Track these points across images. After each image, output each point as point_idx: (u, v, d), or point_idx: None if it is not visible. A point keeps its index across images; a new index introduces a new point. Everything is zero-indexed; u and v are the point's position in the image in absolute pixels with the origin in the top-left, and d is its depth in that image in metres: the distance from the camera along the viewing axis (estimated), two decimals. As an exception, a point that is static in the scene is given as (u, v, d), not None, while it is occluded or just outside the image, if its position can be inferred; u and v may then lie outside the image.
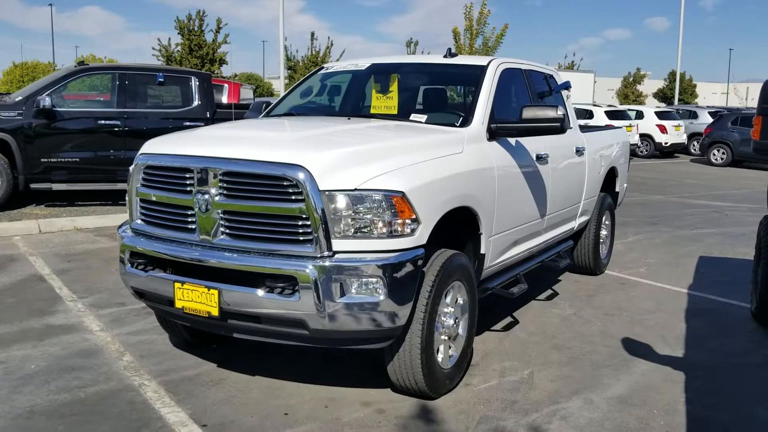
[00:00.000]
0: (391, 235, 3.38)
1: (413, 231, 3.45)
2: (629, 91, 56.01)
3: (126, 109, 9.35)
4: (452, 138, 4.14)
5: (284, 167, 3.32)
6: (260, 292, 3.35)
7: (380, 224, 3.35)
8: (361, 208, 3.33)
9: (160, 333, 4.73)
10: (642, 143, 23.50)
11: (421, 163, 3.63)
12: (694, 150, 24.84)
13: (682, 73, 49.03)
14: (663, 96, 57.95)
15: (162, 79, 9.56)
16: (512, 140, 4.60)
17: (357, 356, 4.40)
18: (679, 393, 4.10)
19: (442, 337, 3.84)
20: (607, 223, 7.12)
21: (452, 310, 3.90)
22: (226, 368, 4.22)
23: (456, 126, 4.33)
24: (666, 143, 23.55)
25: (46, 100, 8.79)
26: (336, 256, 3.31)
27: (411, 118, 4.47)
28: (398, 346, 3.62)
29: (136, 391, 3.89)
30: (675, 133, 23.63)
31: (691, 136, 24.94)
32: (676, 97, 41.41)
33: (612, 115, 22.23)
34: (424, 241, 3.52)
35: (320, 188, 3.29)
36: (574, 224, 6.17)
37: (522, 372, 4.33)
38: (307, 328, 3.36)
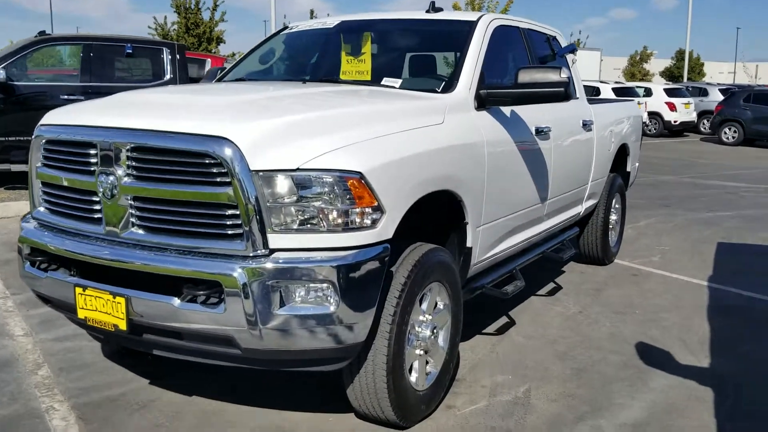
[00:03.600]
0: (347, 228, 2.63)
1: (375, 222, 2.70)
2: (636, 70, 54.90)
3: (91, 83, 8.58)
4: (430, 106, 3.38)
5: (205, 141, 2.57)
6: (177, 302, 2.61)
7: (331, 215, 2.61)
8: (306, 194, 2.59)
9: (91, 339, 4.01)
10: (650, 121, 22.61)
11: (386, 136, 2.87)
12: (705, 128, 23.94)
13: (690, 51, 47.84)
14: (670, 75, 56.81)
15: (131, 51, 8.78)
16: (506, 110, 3.83)
17: (314, 373, 3.67)
18: (708, 417, 3.37)
19: (417, 351, 3.11)
20: (617, 206, 6.35)
21: (430, 317, 3.16)
22: (159, 386, 3.49)
23: (437, 92, 3.56)
24: (675, 121, 22.66)
25: (1, 74, 8.03)
26: (274, 255, 2.57)
27: (383, 82, 3.70)
28: (359, 367, 2.89)
29: (40, 417, 3.17)
30: (684, 111, 22.73)
31: (701, 114, 24.03)
32: (685, 75, 40.37)
33: (620, 92, 21.33)
34: (389, 234, 2.78)
35: (251, 168, 2.54)
36: (581, 209, 5.41)
37: (517, 389, 3.59)
38: (238, 347, 2.62)
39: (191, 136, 2.59)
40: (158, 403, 3.32)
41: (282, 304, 2.56)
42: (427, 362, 3.24)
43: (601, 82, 23.82)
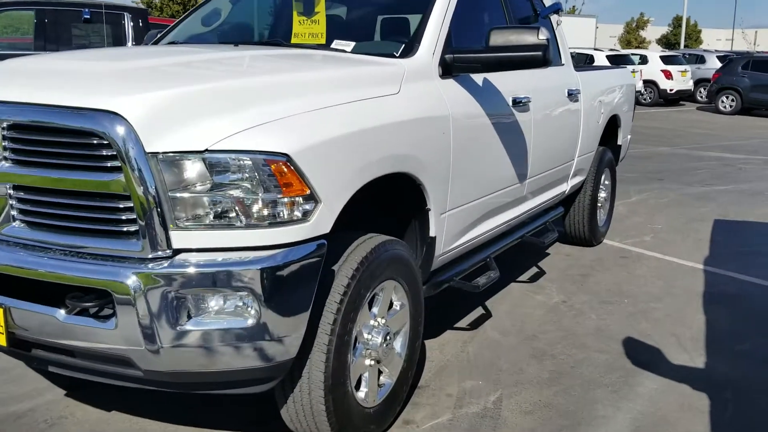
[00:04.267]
0: (271, 222, 2.16)
1: (307, 215, 2.22)
2: (632, 37, 54.09)
3: (46, 52, 7.99)
4: (384, 73, 2.88)
5: (91, 116, 2.08)
6: (62, 314, 2.14)
7: (251, 207, 2.13)
8: (219, 182, 2.11)
9: (10, 340, 3.54)
10: (646, 90, 22.03)
11: (323, 110, 2.37)
12: (701, 97, 23.38)
13: (688, 18, 46.97)
14: (667, 42, 55.97)
15: (88, 16, 8.18)
16: (477, 77, 3.33)
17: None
18: (703, 429, 2.94)
19: (367, 362, 2.66)
20: (606, 183, 5.89)
21: (382, 321, 2.70)
22: (75, 398, 3.04)
23: (395, 56, 3.05)
24: (671, 90, 22.09)
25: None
26: (178, 257, 2.10)
27: (333, 45, 3.18)
28: (292, 385, 2.44)
29: (-73, 441, 2.72)
30: (681, 79, 22.13)
31: (698, 83, 23.44)
32: (682, 42, 39.64)
33: (614, 59, 20.71)
34: (326, 228, 2.30)
35: (147, 149, 2.05)
36: (566, 187, 4.94)
37: (487, 398, 3.16)
38: (138, 368, 2.16)
39: (74, 110, 2.09)
40: (70, 421, 2.87)
41: (187, 317, 2.09)
42: (380, 373, 2.79)
43: (595, 49, 23.18)
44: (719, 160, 11.12)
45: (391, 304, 2.81)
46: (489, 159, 3.45)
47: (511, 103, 3.63)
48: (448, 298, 4.08)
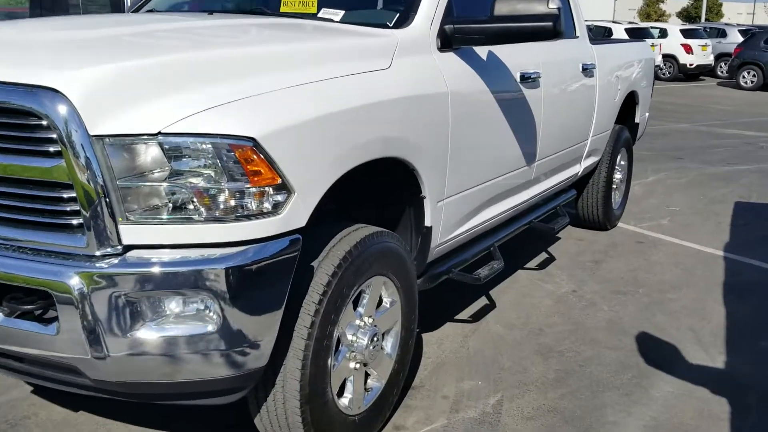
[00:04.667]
0: (238, 216, 1.90)
1: (278, 207, 1.96)
2: (651, 10, 52.94)
3: (43, 21, 7.72)
4: (374, 45, 2.58)
5: (29, 94, 1.82)
6: (0, 316, 1.91)
7: (213, 198, 1.87)
8: (177, 169, 1.85)
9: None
10: (665, 64, 21.44)
11: (298, 87, 2.09)
12: (722, 72, 22.72)
13: (709, -11, 45.77)
14: (687, 15, 54.74)
15: (85, -16, 7.88)
16: (481, 51, 3.03)
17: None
18: (723, 442, 2.69)
19: (351, 365, 2.41)
20: (622, 163, 5.57)
21: (370, 321, 2.45)
22: (42, 396, 2.82)
23: (388, 26, 2.76)
24: (691, 65, 21.47)
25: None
26: (129, 254, 1.85)
27: (320, 14, 2.89)
28: (265, 394, 2.20)
29: None
30: (701, 54, 21.51)
31: (719, 57, 22.78)
32: (703, 15, 38.61)
33: (633, 33, 20.13)
34: (301, 222, 2.04)
35: (92, 132, 1.79)
36: (578, 169, 4.63)
37: (486, 400, 2.91)
38: (86, 377, 1.92)
39: (7, 86, 1.83)
40: (34, 421, 2.66)
41: (140, 323, 1.84)
42: (367, 376, 2.55)
43: (614, 22, 22.55)
44: (740, 137, 10.71)
45: (380, 302, 2.55)
46: (493, 141, 3.16)
47: (518, 79, 3.33)
48: (450, 287, 3.80)
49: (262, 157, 1.90)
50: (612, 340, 3.53)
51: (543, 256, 4.83)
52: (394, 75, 2.49)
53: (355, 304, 2.41)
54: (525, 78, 3.37)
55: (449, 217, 2.91)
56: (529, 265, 4.65)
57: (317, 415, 2.22)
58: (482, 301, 3.97)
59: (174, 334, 1.85)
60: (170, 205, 1.86)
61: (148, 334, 1.84)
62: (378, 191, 2.71)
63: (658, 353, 3.40)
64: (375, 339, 2.44)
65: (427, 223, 2.77)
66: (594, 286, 4.28)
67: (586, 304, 3.99)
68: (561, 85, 3.91)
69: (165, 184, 1.85)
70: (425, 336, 3.48)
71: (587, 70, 4.27)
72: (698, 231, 5.54)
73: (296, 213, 2.01)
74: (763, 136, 10.91)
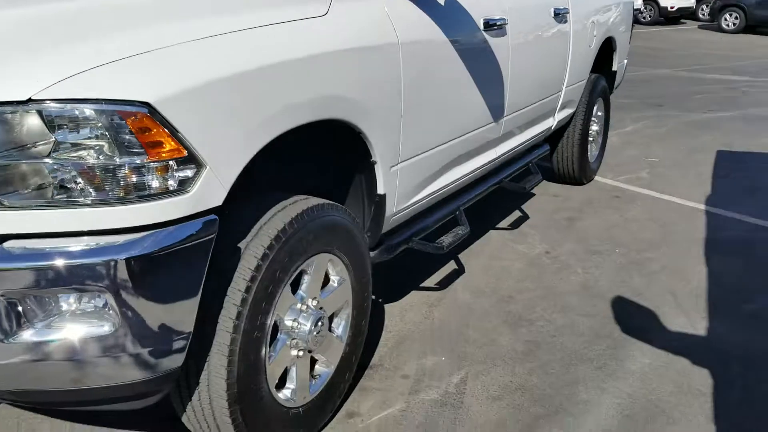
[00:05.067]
0: (137, 197, 1.61)
1: (186, 184, 1.67)
2: (633, -48, 51.78)
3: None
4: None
5: None
6: None
7: (103, 176, 1.58)
8: (61, 143, 1.55)
9: None
10: (645, 8, 20.97)
11: (207, 39, 1.78)
12: (703, 15, 22.28)
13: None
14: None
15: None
16: (437, -6, 2.70)
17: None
18: (705, 420, 2.48)
19: (294, 353, 2.15)
20: (599, 114, 5.29)
21: (313, 303, 2.19)
22: None
23: (328, -34, 2.41)
24: (672, 7, 21.01)
25: None
26: (4, 245, 1.56)
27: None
28: (190, 393, 1.94)
29: None
30: (683, -4, 21.05)
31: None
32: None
33: (613, -25, 19.55)
34: (217, 200, 1.75)
35: (-55, 102, 1.48)
36: (552, 122, 4.35)
37: (449, 379, 2.68)
38: (-29, 388, 1.65)
39: None
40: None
41: (22, 326, 1.57)
42: (314, 361, 2.30)
43: (594, -35, 21.92)
44: (722, 83, 10.45)
45: (327, 280, 2.29)
46: (453, 97, 2.86)
47: (482, 27, 3.01)
48: (416, 253, 3.55)
49: (160, 125, 1.60)
50: (586, 306, 3.31)
51: (516, 214, 4.59)
52: (332, 24, 2.17)
53: (296, 286, 2.14)
54: (489, 25, 3.05)
55: (405, 182, 2.63)
56: (501, 224, 4.40)
57: (250, 413, 1.98)
58: (450, 266, 3.73)
59: (62, 338, 1.58)
60: (53, 185, 1.57)
61: (32, 338, 1.57)
62: (322, 157, 2.42)
63: (634, 320, 3.18)
64: (320, 323, 2.19)
65: (380, 190, 2.49)
66: (568, 246, 4.05)
67: (560, 267, 3.76)
68: (530, 32, 3.59)
69: (46, 161, 1.55)
70: (387, 307, 3.24)
71: (560, 15, 3.95)
72: (678, 183, 5.31)
73: (209, 190, 1.72)
74: (745, 81, 10.66)
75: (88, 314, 1.62)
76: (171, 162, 1.64)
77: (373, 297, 3.29)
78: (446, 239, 3.01)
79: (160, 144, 1.62)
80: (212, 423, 1.96)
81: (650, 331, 3.07)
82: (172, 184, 1.65)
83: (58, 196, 1.57)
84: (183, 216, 1.67)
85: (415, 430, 2.39)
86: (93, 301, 1.61)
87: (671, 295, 3.44)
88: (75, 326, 1.61)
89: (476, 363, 2.80)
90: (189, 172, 1.67)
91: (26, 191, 1.56)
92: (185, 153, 1.65)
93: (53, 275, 1.55)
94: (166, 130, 1.61)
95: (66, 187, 1.57)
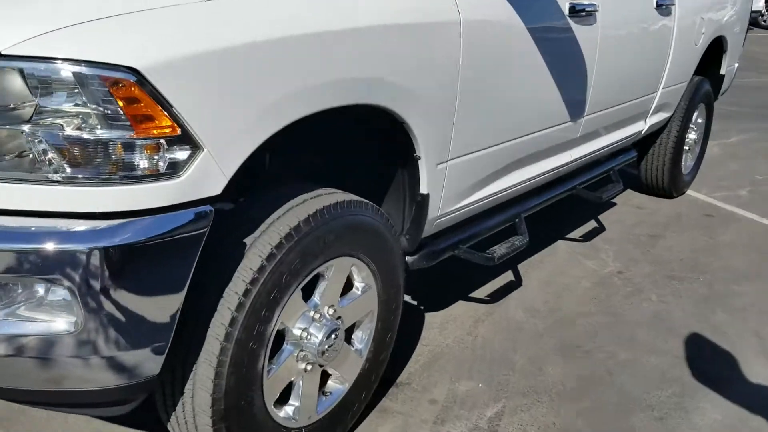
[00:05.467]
0: (118, 177, 1.38)
1: (177, 168, 1.43)
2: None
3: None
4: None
5: None
6: None
7: (81, 150, 1.36)
8: (38, 106, 1.34)
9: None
10: (766, 10, 19.42)
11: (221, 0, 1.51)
12: (833, 22, 20.46)
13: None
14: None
15: None
16: (514, -30, 2.35)
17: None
18: (779, 503, 2.08)
19: (301, 366, 1.90)
20: (699, 121, 4.76)
21: (329, 313, 1.92)
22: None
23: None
24: (798, 12, 19.38)
25: None
26: (-41, 221, 1.36)
27: None
28: (173, 401, 1.72)
29: None
30: (812, 0, 19.34)
31: (832, 5, 20.46)
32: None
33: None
34: (214, 189, 1.50)
35: None
36: (643, 126, 3.90)
37: (483, 410, 2.37)
38: None
39: None
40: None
41: (-27, 314, 1.37)
42: (326, 376, 2.05)
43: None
44: None
45: (349, 287, 2.02)
46: (523, 89, 2.51)
47: (567, 12, 2.64)
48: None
49: (151, 97, 1.36)
50: (655, 340, 2.90)
51: (591, 224, 4.17)
52: (379, -7, 1.87)
53: (311, 291, 1.88)
54: (576, 11, 2.67)
55: (455, 182, 2.32)
56: (572, 234, 4.01)
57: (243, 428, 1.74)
58: (506, 277, 3.39)
59: (15, 333, 1.37)
60: (28, 156, 1.36)
61: (-16, 328, 1.37)
62: (358, 148, 2.14)
63: (710, 364, 2.76)
64: (334, 335, 1.92)
65: (423, 189, 2.19)
66: (645, 268, 3.62)
67: (632, 291, 3.35)
68: (625, 23, 3.17)
69: (24, 128, 1.34)
70: (428, 316, 2.95)
71: (663, 7, 3.49)
72: (782, 207, 4.72)
73: (206, 177, 1.47)
74: None
75: (55, 308, 1.41)
76: (161, 141, 1.40)
77: (414, 302, 3.03)
78: (499, 250, 2.68)
79: (149, 118, 1.38)
80: (199, 435, 1.74)
81: (726, 380, 2.65)
82: (161, 166, 1.41)
83: (32, 170, 1.36)
84: (172, 204, 1.43)
85: (432, 466, 2.10)
86: (60, 294, 1.40)
87: (757, 338, 2.98)
88: (39, 320, 1.40)
89: (517, 395, 2.47)
90: (182, 154, 1.43)
91: (-6, 160, 1.36)
92: (179, 131, 1.41)
93: (13, 260, 1.34)
94: (156, 102, 1.37)
95: (41, 160, 1.36)
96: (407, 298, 3.09)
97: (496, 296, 3.19)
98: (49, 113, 1.35)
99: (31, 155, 1.36)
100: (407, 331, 2.76)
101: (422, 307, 3.03)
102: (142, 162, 1.39)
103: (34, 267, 1.34)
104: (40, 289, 1.40)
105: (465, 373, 2.57)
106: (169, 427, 1.81)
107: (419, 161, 2.12)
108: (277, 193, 1.81)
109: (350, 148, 2.13)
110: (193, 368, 1.64)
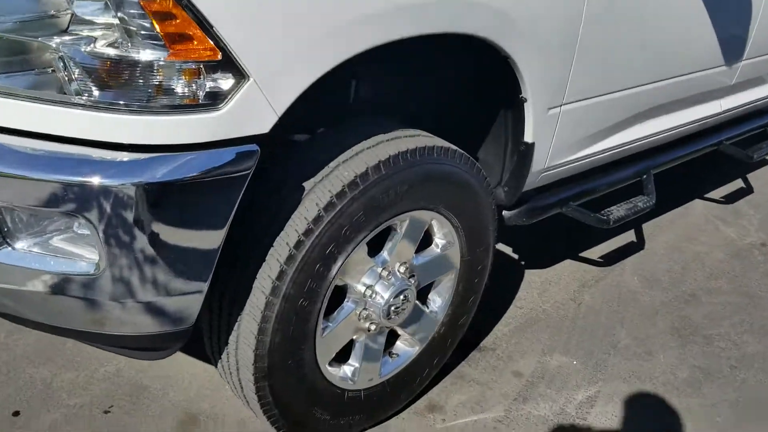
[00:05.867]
0: (146, 105, 1.19)
1: (218, 99, 1.22)
2: None
3: None
4: None
5: None
6: None
7: (108, 71, 1.18)
8: (73, 15, 1.18)
9: None
10: None
11: None
12: None
13: None
14: None
15: None
16: None
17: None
18: None
19: (364, 325, 1.70)
20: None
21: (400, 270, 1.70)
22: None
23: None
24: None
25: None
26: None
27: None
28: (219, 348, 1.59)
29: None
30: None
31: None
32: None
33: None
34: (262, 126, 1.29)
35: None
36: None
37: (574, 392, 2.09)
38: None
39: None
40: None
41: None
42: (395, 337, 1.85)
43: None
44: None
45: (429, 241, 1.79)
46: (667, 20, 2.07)
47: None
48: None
49: (189, 13, 1.15)
50: (796, 334, 2.46)
51: (736, 184, 3.64)
52: None
53: (381, 244, 1.67)
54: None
55: (569, 131, 1.98)
56: (712, 194, 3.50)
57: (285, 391, 1.59)
58: (626, 237, 3.01)
59: (28, 267, 1.26)
60: (54, 73, 1.20)
61: (6, 259, 1.27)
62: (453, 84, 1.85)
63: None
64: (404, 295, 1.70)
65: (528, 138, 1.87)
66: (796, 243, 3.10)
67: (775, 269, 2.88)
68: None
69: (55, 40, 1.18)
70: (528, 274, 2.66)
71: None
72: None
73: (252, 111, 1.26)
74: None
75: (79, 243, 1.28)
76: (200, 65, 1.19)
77: (515, 256, 2.75)
78: (617, 211, 2.32)
79: (187, 38, 1.17)
80: (240, 392, 1.61)
81: None
82: (199, 95, 1.21)
83: (58, 90, 1.21)
84: (209, 141, 1.24)
85: (504, 450, 1.87)
86: (64, 230, 1.27)
87: None
88: (67, 257, 1.29)
89: (616, 379, 2.16)
90: (224, 84, 1.22)
91: (20, 73, 1.22)
92: (220, 56, 1.19)
93: (27, 188, 1.21)
94: (196, 20, 1.16)
95: (69, 78, 1.20)
96: (507, 250, 2.81)
97: (610, 259, 2.84)
98: (82, 24, 1.18)
99: (59, 73, 1.20)
100: (501, 288, 2.50)
101: (523, 263, 2.74)
102: (177, 89, 1.20)
103: (54, 198, 1.21)
104: (64, 223, 1.27)
105: (560, 346, 2.28)
106: (218, 370, 1.69)
107: (525, 104, 1.79)
108: (346, 130, 1.58)
109: (445, 86, 1.84)
110: (238, 320, 1.49)
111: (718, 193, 3.52)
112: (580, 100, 1.93)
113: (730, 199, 3.48)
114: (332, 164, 1.50)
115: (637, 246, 2.96)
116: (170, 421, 1.85)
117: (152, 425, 1.83)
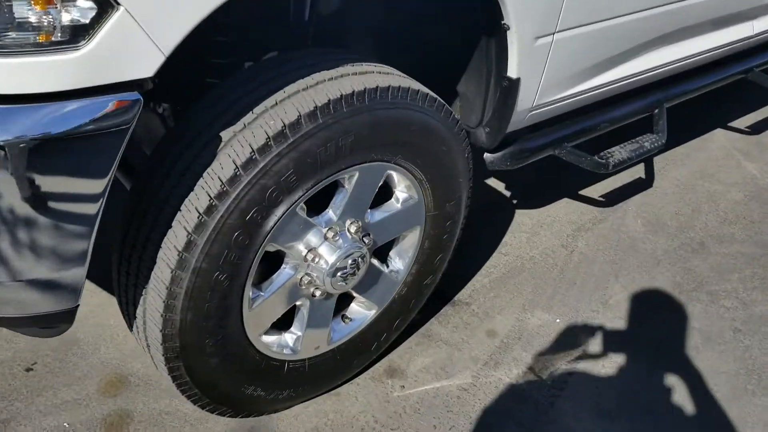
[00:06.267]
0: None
1: (78, 35, 0.94)
2: None
3: None
4: None
5: None
6: None
7: None
8: None
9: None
10: None
11: None
12: None
13: None
14: None
15: None
16: None
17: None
18: None
19: (307, 290, 1.47)
20: None
21: (351, 229, 1.45)
22: None
23: None
24: None
25: None
26: None
27: None
28: (129, 319, 1.39)
29: None
30: None
31: None
32: None
33: None
34: (143, 69, 1.01)
35: None
36: None
37: (550, 359, 1.88)
38: None
39: None
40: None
41: None
42: (349, 299, 1.63)
43: None
44: None
45: (388, 194, 1.53)
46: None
47: None
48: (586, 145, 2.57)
49: None
50: (812, 293, 2.21)
51: (764, 112, 3.27)
52: None
53: (324, 203, 1.41)
54: None
55: (563, 63, 1.66)
56: (736, 122, 3.16)
57: (204, 372, 1.39)
58: (633, 173, 2.71)
59: None
60: None
61: None
62: (426, 9, 1.52)
63: None
64: (354, 259, 1.46)
65: (512, 72, 1.57)
66: (824, 184, 2.78)
67: (796, 215, 2.59)
68: None
69: None
70: (518, 215, 2.40)
71: None
72: None
73: (125, 49, 0.98)
74: None
75: None
76: (41, -9, 0.90)
77: (506, 193, 2.49)
78: (619, 153, 2.03)
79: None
80: (159, 367, 1.41)
81: None
82: (53, 29, 0.93)
83: None
84: (71, 89, 0.97)
85: (463, 428, 1.68)
86: None
87: None
88: None
89: (602, 343, 1.95)
90: (84, 13, 0.93)
91: None
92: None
93: None
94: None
95: None
96: (499, 186, 2.54)
97: (612, 198, 2.56)
98: None
99: None
100: (487, 231, 2.26)
101: (515, 201, 2.48)
102: (20, 22, 0.92)
103: None
104: None
105: (543, 301, 2.06)
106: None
107: (507, 33, 1.48)
108: (282, 64, 1.29)
109: (417, 13, 1.52)
110: (143, 294, 1.26)
111: (743, 122, 3.17)
112: (573, 27, 1.60)
113: (756, 129, 3.13)
114: (257, 109, 1.22)
115: (644, 183, 2.67)
116: (96, 382, 1.68)
117: (75, 386, 1.66)
